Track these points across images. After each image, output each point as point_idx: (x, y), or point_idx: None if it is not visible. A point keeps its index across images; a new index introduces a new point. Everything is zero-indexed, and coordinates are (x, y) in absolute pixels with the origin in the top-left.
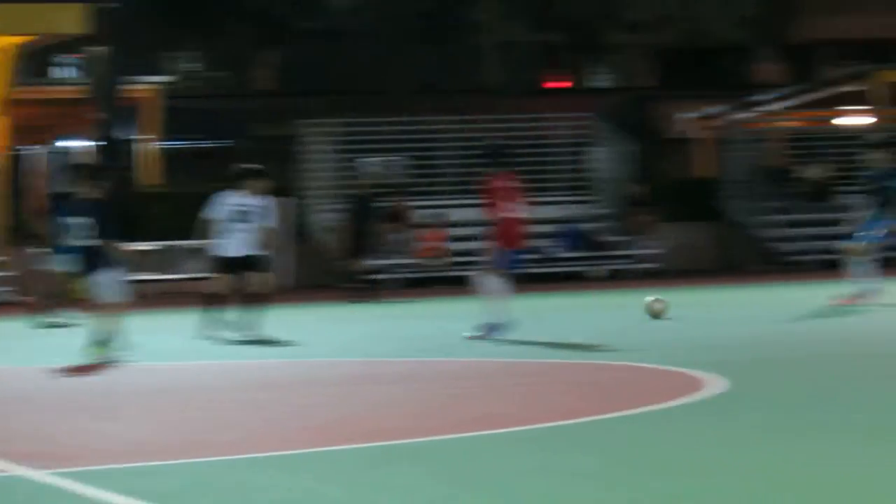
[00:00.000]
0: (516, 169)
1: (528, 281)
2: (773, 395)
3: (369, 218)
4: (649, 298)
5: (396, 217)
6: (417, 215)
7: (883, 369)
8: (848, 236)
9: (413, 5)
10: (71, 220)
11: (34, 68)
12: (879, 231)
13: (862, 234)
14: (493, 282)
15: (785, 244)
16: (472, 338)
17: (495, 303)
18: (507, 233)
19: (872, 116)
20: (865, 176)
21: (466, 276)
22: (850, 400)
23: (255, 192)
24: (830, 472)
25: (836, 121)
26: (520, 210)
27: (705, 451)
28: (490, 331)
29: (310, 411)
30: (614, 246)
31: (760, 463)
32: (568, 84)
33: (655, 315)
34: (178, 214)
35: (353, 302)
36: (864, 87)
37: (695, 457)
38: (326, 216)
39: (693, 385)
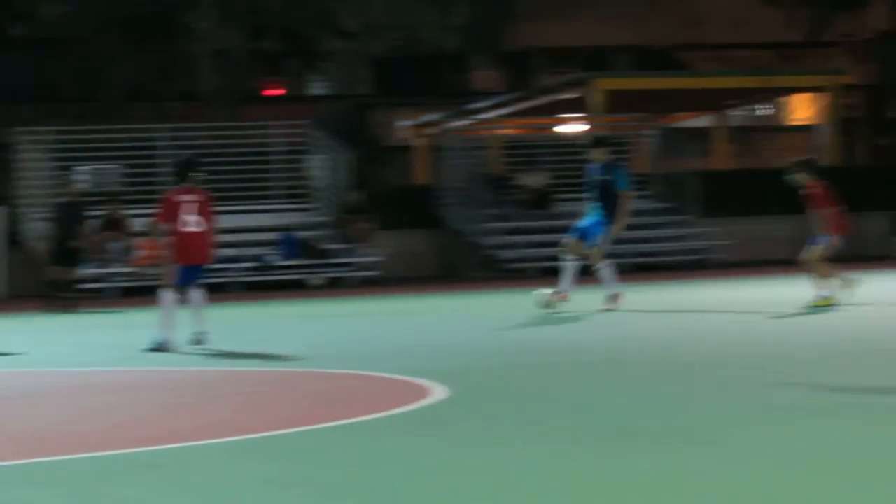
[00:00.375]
0: (213, 180)
1: (247, 290)
2: (493, 403)
3: (77, 226)
4: (546, 291)
5: (115, 225)
6: (136, 224)
7: (601, 375)
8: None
9: (127, 11)
10: None
11: None
12: (599, 235)
13: (595, 239)
14: (167, 297)
15: (505, 251)
16: (150, 350)
17: (165, 318)
18: (182, 248)
19: (589, 123)
20: (588, 173)
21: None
22: (568, 405)
23: None
24: (543, 476)
25: (554, 128)
26: (201, 224)
27: (423, 458)
28: (160, 345)
29: (8, 424)
30: (333, 254)
31: (476, 469)
32: (284, 91)
33: (546, 307)
34: None
35: (63, 311)
36: (581, 95)
37: (413, 464)
38: (39, 225)
39: (416, 393)
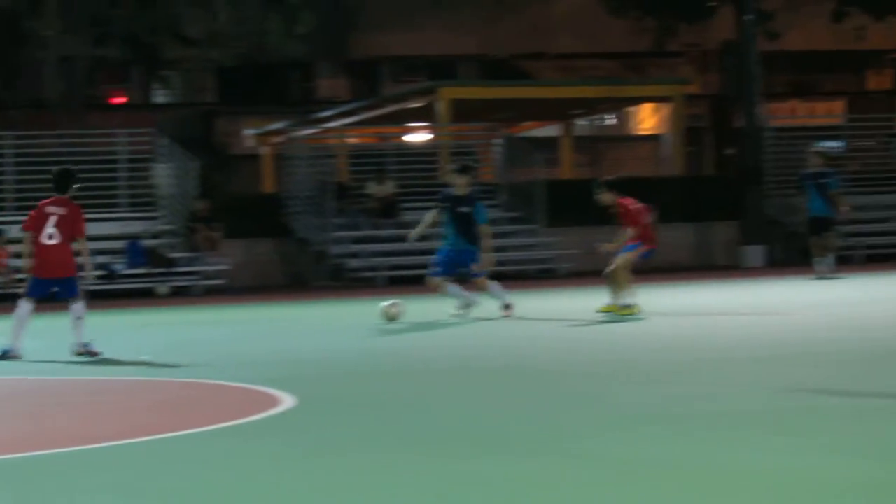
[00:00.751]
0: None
1: (93, 298)
2: (340, 412)
3: None
4: (385, 304)
5: None
6: None
7: (450, 384)
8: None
9: None
10: None
11: None
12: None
13: (465, 267)
14: (22, 305)
15: (352, 260)
16: (5, 358)
17: (16, 326)
18: (38, 260)
19: (436, 132)
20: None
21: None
22: (415, 415)
23: None
24: (385, 486)
25: (401, 137)
26: (56, 237)
27: (269, 467)
28: (6, 353)
29: None
30: (179, 262)
31: (322, 477)
32: (127, 99)
33: (391, 318)
34: None
35: None
36: (427, 104)
37: (259, 473)
38: None
39: (263, 402)
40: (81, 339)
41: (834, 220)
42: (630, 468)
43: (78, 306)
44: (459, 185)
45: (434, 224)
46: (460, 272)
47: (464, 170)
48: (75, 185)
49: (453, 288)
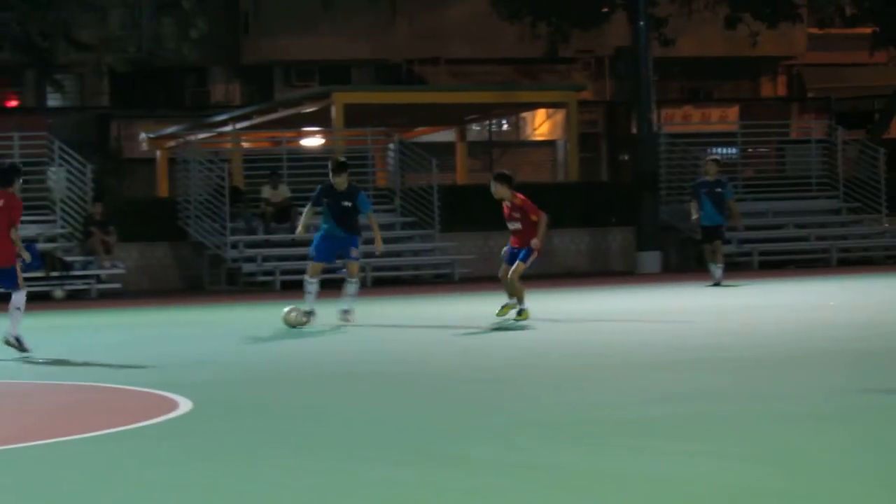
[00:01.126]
0: None
1: None
2: (235, 416)
3: None
4: (286, 309)
5: None
6: None
7: (342, 389)
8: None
9: None
10: None
11: None
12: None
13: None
14: None
15: (247, 264)
16: None
17: None
18: None
19: (330, 137)
20: (326, 192)
21: None
22: (308, 419)
23: None
24: (273, 489)
25: (296, 141)
26: None
27: (162, 471)
28: None
29: None
30: (73, 266)
31: (214, 482)
32: (20, 103)
33: (293, 324)
34: None
35: None
36: (321, 108)
37: (152, 477)
38: None
39: (159, 406)
40: (15, 331)
41: (724, 229)
42: (520, 474)
43: (18, 297)
44: (339, 182)
45: (313, 216)
46: (337, 258)
47: (340, 166)
48: (16, 180)
49: (311, 294)
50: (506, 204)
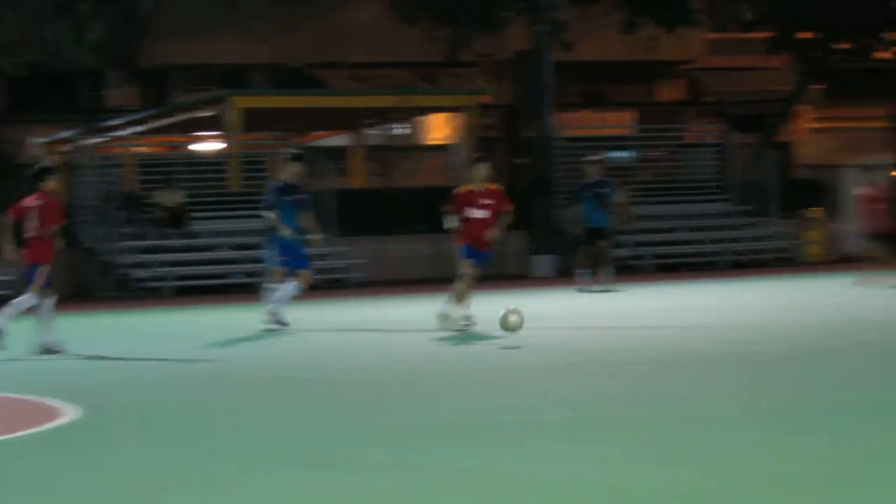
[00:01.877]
0: None
1: None
2: (125, 424)
3: None
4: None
5: None
6: None
7: (238, 394)
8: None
9: None
10: None
11: None
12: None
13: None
14: None
15: (139, 270)
16: None
17: None
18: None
19: (227, 141)
20: (287, 189)
21: None
22: (202, 425)
23: None
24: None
25: (191, 146)
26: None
27: (46, 481)
28: None
29: None
30: None
31: (102, 491)
32: None
33: (513, 328)
34: None
35: None
36: (217, 113)
37: (37, 487)
38: None
39: (45, 413)
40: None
41: (611, 231)
42: (416, 477)
43: (25, 298)
44: (295, 173)
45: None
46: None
47: (298, 157)
48: (49, 180)
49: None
50: (473, 189)
